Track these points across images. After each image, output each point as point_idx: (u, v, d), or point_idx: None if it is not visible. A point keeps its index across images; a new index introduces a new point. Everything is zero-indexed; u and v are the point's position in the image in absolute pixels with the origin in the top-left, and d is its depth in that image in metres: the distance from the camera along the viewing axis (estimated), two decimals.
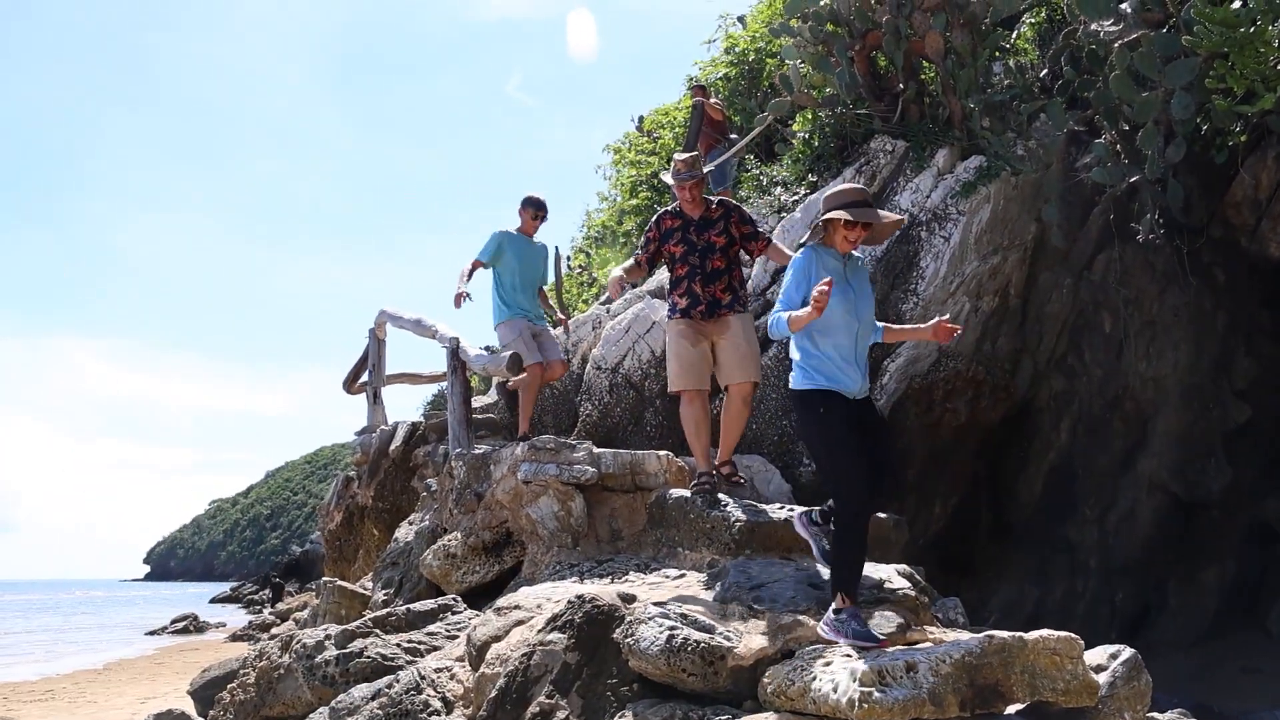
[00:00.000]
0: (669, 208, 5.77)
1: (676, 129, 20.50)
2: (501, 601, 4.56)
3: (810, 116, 8.67)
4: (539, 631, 4.06)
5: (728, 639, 3.71)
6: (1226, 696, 6.55)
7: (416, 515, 6.63)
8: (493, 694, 3.83)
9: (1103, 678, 3.47)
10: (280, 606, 30.33)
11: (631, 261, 5.96)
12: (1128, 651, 3.60)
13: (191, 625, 33.48)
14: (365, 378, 8.86)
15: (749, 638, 3.72)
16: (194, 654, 22.51)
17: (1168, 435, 8.45)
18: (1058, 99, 7.82)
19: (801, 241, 4.34)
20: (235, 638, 26.42)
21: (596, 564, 5.19)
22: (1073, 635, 3.41)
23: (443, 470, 6.53)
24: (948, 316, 4.38)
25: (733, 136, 10.02)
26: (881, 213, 4.26)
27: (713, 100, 10.88)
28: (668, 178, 5.70)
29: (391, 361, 8.82)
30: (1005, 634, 3.35)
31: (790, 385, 4.20)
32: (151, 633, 32.44)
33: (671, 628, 3.72)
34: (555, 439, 5.58)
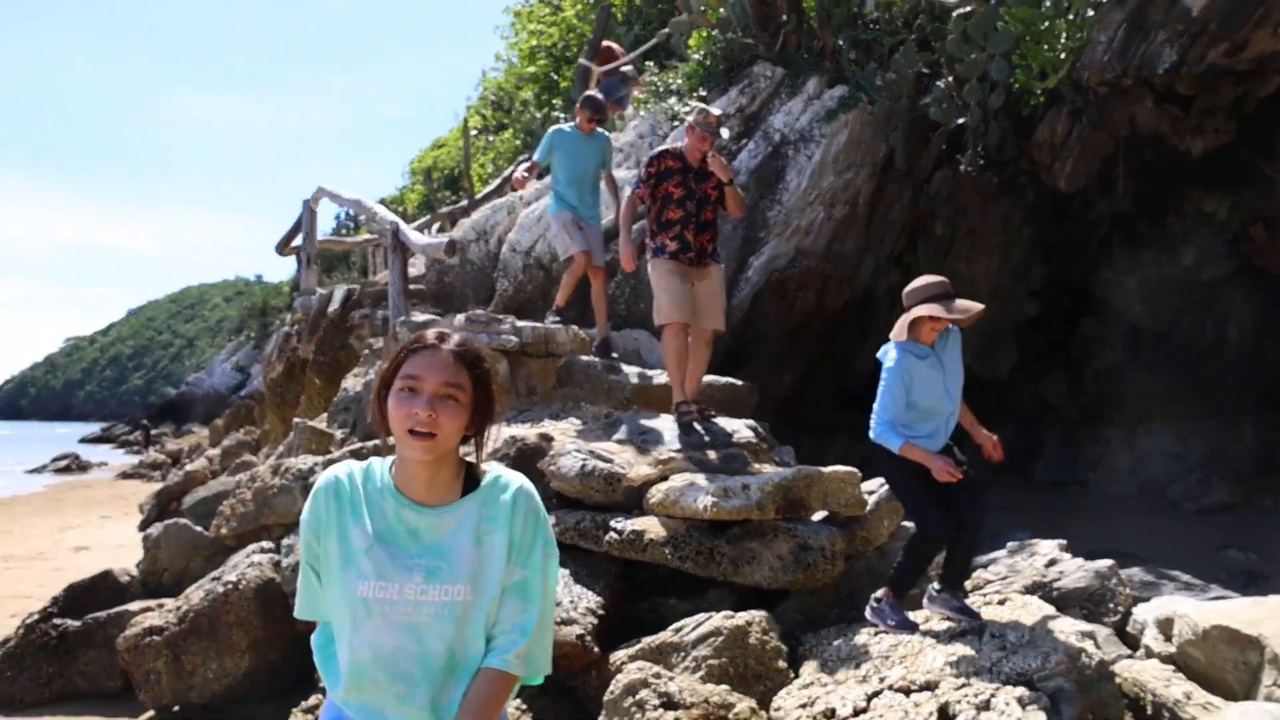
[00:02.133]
0: (669, 147, 6.07)
1: (579, 3, 21.08)
2: None
3: (705, 36, 9.92)
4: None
5: (623, 468, 5.28)
6: (990, 528, 8.57)
7: (360, 369, 7.95)
8: None
9: (872, 498, 5.19)
10: (170, 446, 31.05)
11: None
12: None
13: (74, 464, 33.81)
14: (298, 243, 9.96)
15: (638, 467, 5.31)
16: (88, 490, 23.24)
17: (974, 324, 10.35)
18: (912, 41, 9.26)
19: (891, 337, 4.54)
20: (125, 475, 27.16)
21: (517, 413, 6.69)
22: (854, 469, 5.10)
23: (384, 333, 7.85)
24: (995, 439, 4.62)
25: (626, 68, 11.24)
26: (966, 303, 4.41)
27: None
28: (690, 119, 5.93)
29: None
30: (809, 467, 5.02)
31: (873, 437, 4.42)
32: (32, 470, 32.68)
33: (584, 459, 5.27)
34: (486, 314, 6.97)
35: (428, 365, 1.87)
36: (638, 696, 3.60)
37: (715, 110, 5.94)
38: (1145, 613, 4.40)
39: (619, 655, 4.42)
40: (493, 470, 1.99)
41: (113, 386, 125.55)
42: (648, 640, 4.28)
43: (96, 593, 6.14)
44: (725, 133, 6.11)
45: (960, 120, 8.56)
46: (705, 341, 6.03)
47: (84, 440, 53.26)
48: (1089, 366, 10.88)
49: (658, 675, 3.69)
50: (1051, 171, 8.82)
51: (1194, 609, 4.05)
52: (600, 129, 7.43)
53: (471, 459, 2.00)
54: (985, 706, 3.28)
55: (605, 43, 11.72)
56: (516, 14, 27.90)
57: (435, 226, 14.24)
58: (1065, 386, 10.65)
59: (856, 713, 3.42)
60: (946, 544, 4.43)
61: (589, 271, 7.12)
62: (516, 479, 1.99)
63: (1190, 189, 9.20)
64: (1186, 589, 5.42)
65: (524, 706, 4.40)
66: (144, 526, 14.80)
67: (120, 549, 13.07)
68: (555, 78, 22.77)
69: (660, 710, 3.53)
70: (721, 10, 9.69)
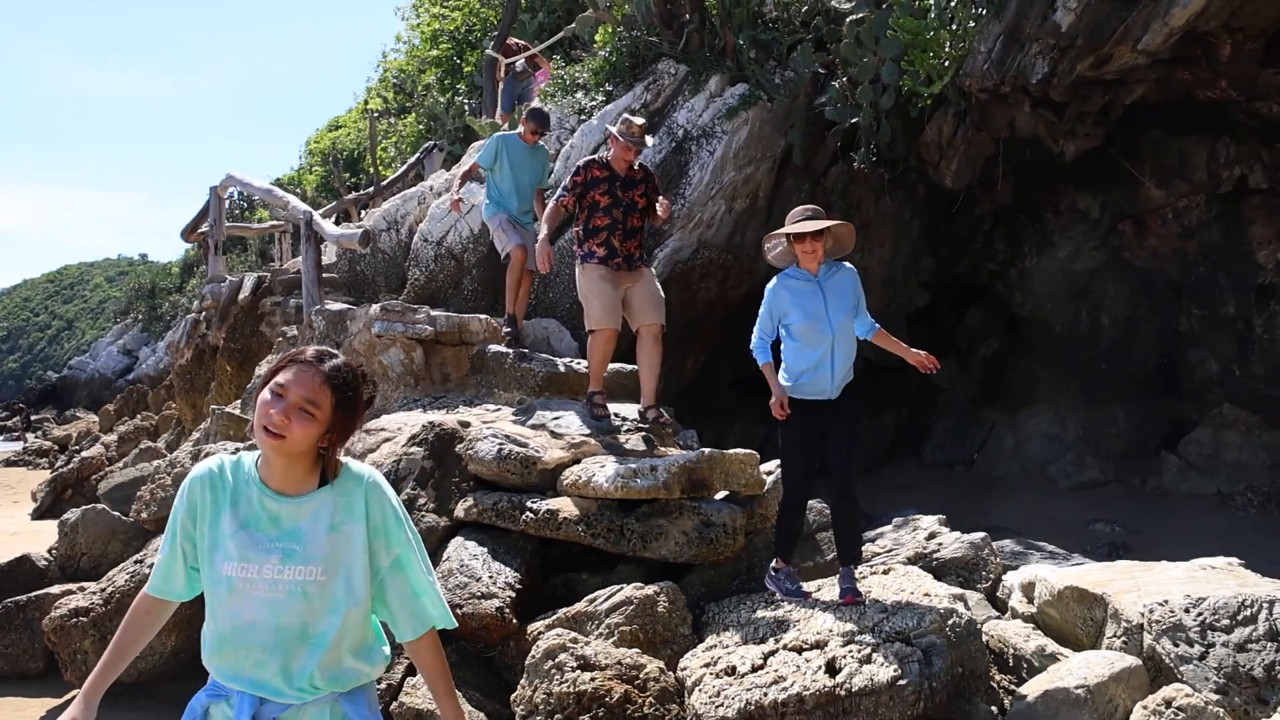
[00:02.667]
0: (596, 157, 6.20)
1: None
2: (369, 425, 6.22)
3: (610, 32, 10.19)
4: (403, 446, 5.77)
5: (538, 452, 5.56)
6: (883, 505, 9.10)
7: (274, 357, 8.03)
8: None
9: (770, 478, 5.57)
10: (57, 433, 30.04)
11: (552, 204, 6.26)
12: None
13: None
14: (205, 229, 9.93)
15: (552, 451, 5.59)
16: None
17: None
18: (809, 42, 9.69)
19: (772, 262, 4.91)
20: (11, 463, 26.20)
21: (433, 399, 6.91)
22: (753, 451, 5.48)
23: (299, 322, 7.95)
24: (924, 354, 4.69)
25: (519, 63, 11.44)
26: (818, 223, 4.50)
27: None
28: (613, 129, 6.05)
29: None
30: (712, 450, 5.38)
31: (751, 349, 4.79)
32: None
33: (500, 443, 5.53)
34: (402, 304, 7.15)
35: (297, 378, 2.10)
36: (557, 659, 3.91)
37: (639, 120, 6.06)
38: (1012, 579, 4.88)
39: (536, 626, 4.71)
40: (345, 465, 2.22)
41: None
42: (564, 610, 4.58)
43: (14, 577, 6.18)
44: (650, 140, 6.16)
45: (854, 120, 9.02)
46: (654, 338, 6.14)
47: None
48: (975, 354, 11.56)
49: (575, 640, 4.00)
50: (939, 169, 9.38)
51: (1052, 573, 4.54)
52: (541, 142, 7.50)
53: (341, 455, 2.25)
54: (867, 660, 3.68)
55: (510, 39, 11.91)
56: None
57: (335, 215, 14.19)
58: (953, 373, 11.28)
59: (754, 669, 3.78)
60: (831, 516, 4.82)
61: (522, 255, 7.18)
62: (366, 472, 2.23)
63: (1065, 188, 9.87)
64: (1051, 558, 5.96)
65: None
66: (39, 514, 14.51)
67: (14, 536, 12.77)
68: (459, 61, 22.69)
69: (578, 671, 3.84)
70: (627, 7, 9.96)
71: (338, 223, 12.66)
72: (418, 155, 13.69)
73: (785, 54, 9.92)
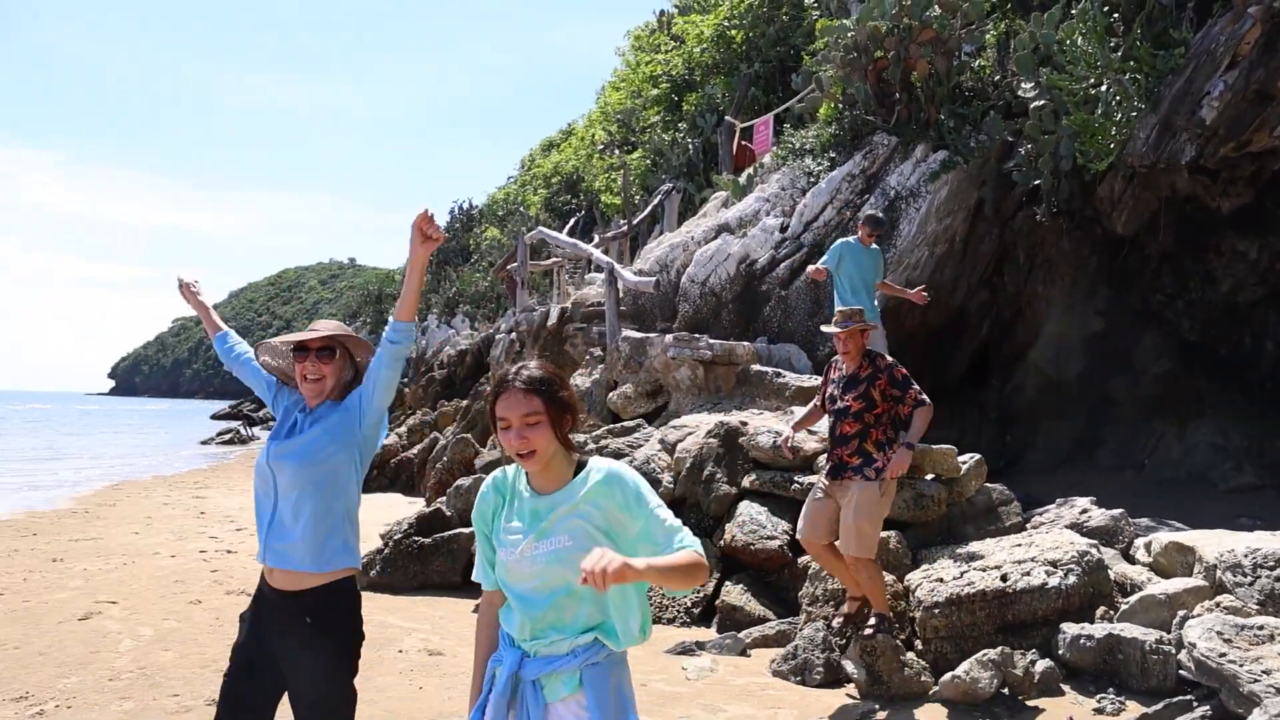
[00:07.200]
0: (836, 357, 6.36)
1: (705, 42, 23.62)
2: (674, 422, 8.86)
3: (832, 107, 12.56)
4: (703, 438, 8.36)
5: (800, 443, 8.03)
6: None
7: (584, 371, 10.84)
8: (686, 466, 8.16)
9: (964, 466, 7.83)
10: None
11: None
12: (976, 456, 7.93)
13: (236, 437, 37.92)
14: (513, 269, 12.88)
15: (809, 442, 8.05)
16: None
17: (1050, 335, 12.86)
18: (998, 110, 11.76)
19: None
20: None
21: (712, 405, 9.49)
22: (951, 446, 7.76)
23: (599, 345, 10.70)
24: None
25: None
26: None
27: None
28: (828, 328, 6.24)
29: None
30: (924, 445, 7.71)
31: None
32: (204, 442, 36.83)
33: (774, 436, 8.03)
34: (689, 334, 9.77)
35: (509, 405, 2.38)
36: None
37: (842, 306, 6.61)
38: (1139, 541, 7.00)
39: (805, 559, 7.20)
40: (591, 461, 2.49)
41: (217, 365, 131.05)
42: None
43: (431, 521, 9.13)
44: (871, 324, 6.38)
45: (1036, 181, 11.07)
46: (855, 562, 5.85)
47: (215, 416, 58.62)
48: (1148, 372, 13.24)
49: None
50: (1111, 218, 11.28)
51: (1165, 535, 6.65)
52: (876, 244, 8.68)
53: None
54: (1027, 574, 5.96)
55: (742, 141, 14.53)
56: (636, 37, 30.56)
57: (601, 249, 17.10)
58: (1126, 387, 13.02)
59: (954, 579, 6.12)
60: None
61: None
62: (605, 464, 2.47)
63: (1226, 233, 11.53)
64: (1174, 530, 7.94)
65: (745, 589, 7.22)
66: None
67: None
68: (676, 99, 25.36)
69: None
70: (848, 90, 12.31)
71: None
72: (658, 198, 16.36)
73: (979, 119, 12.03)
